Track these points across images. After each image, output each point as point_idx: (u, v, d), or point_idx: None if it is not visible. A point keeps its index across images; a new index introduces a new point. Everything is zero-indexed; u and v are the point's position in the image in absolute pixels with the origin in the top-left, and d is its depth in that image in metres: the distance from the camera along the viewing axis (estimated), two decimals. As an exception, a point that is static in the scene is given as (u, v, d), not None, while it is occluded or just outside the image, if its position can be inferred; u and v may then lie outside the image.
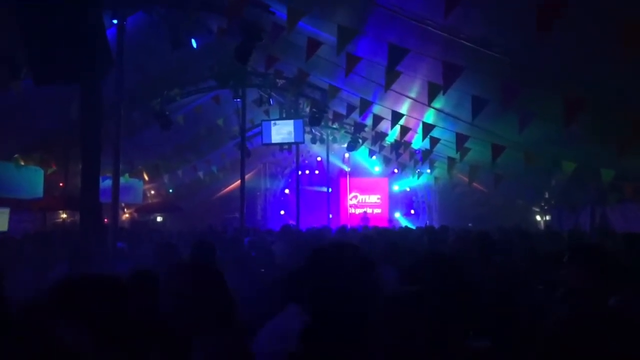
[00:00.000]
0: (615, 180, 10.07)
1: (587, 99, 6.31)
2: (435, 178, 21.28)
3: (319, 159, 25.90)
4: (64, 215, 17.65)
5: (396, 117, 10.71)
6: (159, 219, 23.48)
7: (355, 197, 27.51)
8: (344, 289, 1.93)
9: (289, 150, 19.43)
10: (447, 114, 10.13)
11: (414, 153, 16.17)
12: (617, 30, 4.60)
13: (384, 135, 14.72)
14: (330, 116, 15.63)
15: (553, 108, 6.69)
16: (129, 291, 3.53)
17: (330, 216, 22.55)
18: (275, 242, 8.42)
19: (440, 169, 17.69)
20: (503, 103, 6.97)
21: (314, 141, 19.59)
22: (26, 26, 4.56)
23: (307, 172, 26.59)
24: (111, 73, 6.51)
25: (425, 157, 15.15)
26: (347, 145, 18.45)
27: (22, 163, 14.62)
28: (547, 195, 17.56)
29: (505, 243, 6.68)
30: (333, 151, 22.93)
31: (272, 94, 14.99)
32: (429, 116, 10.90)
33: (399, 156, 16.56)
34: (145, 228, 17.56)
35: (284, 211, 27.07)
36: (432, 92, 7.84)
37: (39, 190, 15.74)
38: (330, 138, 20.09)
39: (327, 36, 7.67)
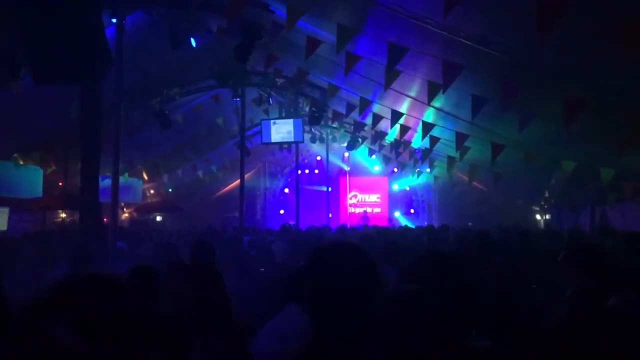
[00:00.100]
0: (614, 180, 10.07)
1: (587, 99, 6.31)
2: (435, 177, 21.29)
3: (318, 158, 25.90)
4: (64, 215, 17.65)
5: (396, 116, 10.71)
6: (158, 218, 23.47)
7: (355, 196, 27.51)
8: (344, 288, 1.93)
9: (289, 150, 19.43)
10: (447, 113, 10.13)
11: (413, 152, 16.17)
12: (617, 30, 4.60)
13: (383, 134, 14.71)
14: (330, 115, 15.63)
15: (553, 107, 6.69)
16: (128, 289, 3.53)
17: (330, 215, 22.55)
18: (275, 241, 8.42)
19: (440, 168, 17.70)
20: (503, 102, 6.97)
21: (313, 140, 19.58)
22: (26, 26, 4.55)
23: (307, 171, 26.58)
24: (111, 72, 6.50)
25: (425, 156, 15.15)
26: (347, 144, 18.47)
27: (22, 162, 14.62)
28: (547, 195, 17.57)
29: (505, 242, 6.68)
30: (333, 150, 22.93)
31: (272, 93, 14.99)
32: (429, 115, 10.90)
33: (399, 155, 16.56)
34: (145, 227, 17.55)
35: (284, 210, 27.06)
36: (431, 91, 7.84)
37: (38, 189, 15.74)
38: (330, 137, 20.08)
39: (327, 35, 7.66)
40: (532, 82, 6.77)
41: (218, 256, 5.34)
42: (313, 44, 7.71)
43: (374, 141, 16.47)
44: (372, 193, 27.36)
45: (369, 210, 26.32)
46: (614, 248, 6.31)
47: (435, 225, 15.35)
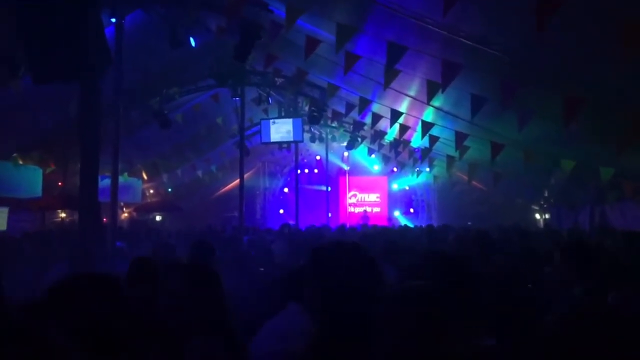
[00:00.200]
0: (614, 179, 10.07)
1: (586, 98, 6.31)
2: (435, 176, 21.29)
3: (318, 157, 25.89)
4: (63, 215, 17.65)
5: (395, 115, 10.71)
6: (158, 218, 23.47)
7: (355, 195, 27.51)
8: (344, 287, 1.92)
9: (288, 149, 19.42)
10: (446, 112, 10.13)
11: (413, 151, 16.16)
12: (617, 30, 4.60)
13: (383, 133, 14.70)
14: (329, 115, 15.62)
15: (552, 107, 6.69)
16: (129, 280, 3.53)
17: (330, 215, 22.54)
18: (275, 241, 8.42)
19: (440, 168, 17.70)
20: (502, 101, 6.97)
21: (313, 140, 19.59)
22: (25, 25, 4.55)
23: (306, 170, 26.57)
24: (110, 72, 6.50)
25: (424, 156, 15.14)
26: (346, 143, 18.47)
27: (21, 162, 14.63)
28: (546, 194, 17.58)
29: (505, 242, 6.68)
30: (332, 150, 22.93)
31: (271, 92, 14.96)
32: (428, 114, 10.90)
33: (398, 155, 16.55)
34: (144, 227, 17.55)
35: (283, 210, 27.06)
36: (431, 91, 7.83)
37: (37, 189, 15.74)
38: (330, 137, 20.08)
39: (326, 34, 7.66)
40: (531, 82, 6.77)
41: (218, 256, 5.33)
42: (312, 43, 7.71)
43: (373, 140, 16.46)
44: (372, 192, 27.36)
45: (368, 209, 26.32)
46: (613, 247, 6.30)
47: (435, 224, 15.36)
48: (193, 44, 10.07)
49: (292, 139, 16.04)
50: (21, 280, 4.38)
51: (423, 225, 15.94)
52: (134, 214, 22.05)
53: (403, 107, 10.82)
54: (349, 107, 12.05)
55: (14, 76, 8.75)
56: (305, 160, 26.19)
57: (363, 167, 26.49)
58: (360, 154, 23.12)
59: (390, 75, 7.74)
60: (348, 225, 18.03)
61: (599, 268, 3.40)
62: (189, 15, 9.38)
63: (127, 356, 1.84)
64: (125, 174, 17.43)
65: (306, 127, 16.97)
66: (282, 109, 16.60)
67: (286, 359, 2.49)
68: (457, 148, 10.85)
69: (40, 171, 15.79)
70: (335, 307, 1.91)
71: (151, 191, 23.11)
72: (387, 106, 10.94)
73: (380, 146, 17.33)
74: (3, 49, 8.08)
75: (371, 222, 19.95)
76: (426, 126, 10.83)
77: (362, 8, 7.08)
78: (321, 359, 1.92)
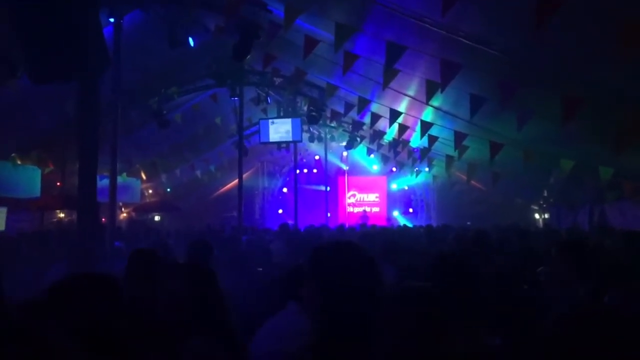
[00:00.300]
0: (613, 179, 10.07)
1: (585, 98, 6.30)
2: (434, 176, 21.31)
3: (317, 157, 25.88)
4: (62, 215, 17.64)
5: (394, 115, 10.71)
6: (156, 218, 23.46)
7: (354, 195, 27.51)
8: (344, 287, 1.92)
9: (287, 149, 19.41)
10: (446, 112, 10.13)
11: (412, 151, 16.17)
12: (617, 30, 4.59)
13: (382, 133, 14.70)
14: (328, 114, 15.61)
15: (551, 107, 6.68)
16: (127, 272, 3.51)
17: (329, 215, 22.54)
18: (273, 241, 8.42)
19: (439, 167, 17.70)
20: (501, 101, 6.96)
21: (312, 140, 19.59)
22: (23, 25, 4.54)
23: (305, 170, 26.56)
24: (108, 71, 6.48)
25: (423, 156, 15.14)
26: (345, 143, 18.47)
27: (19, 162, 14.62)
28: (545, 193, 17.58)
29: (504, 242, 6.68)
30: (331, 150, 22.92)
31: (270, 92, 14.97)
32: (427, 114, 10.89)
33: (397, 154, 16.56)
34: (143, 227, 17.54)
35: (282, 210, 27.06)
36: (430, 90, 7.83)
37: (36, 189, 15.73)
38: (329, 136, 20.07)
39: (325, 34, 7.65)
40: (530, 81, 6.77)
41: (216, 256, 5.33)
42: (311, 43, 7.70)
43: (372, 140, 16.45)
44: (371, 192, 27.36)
45: (367, 209, 26.32)
46: (612, 247, 6.31)
47: (434, 224, 15.37)
48: (192, 43, 10.06)
49: (291, 139, 16.04)
50: (20, 280, 4.37)
51: (422, 225, 15.94)
52: (133, 214, 22.05)
53: (402, 106, 10.82)
54: (348, 106, 12.04)
55: (12, 76, 8.73)
56: (304, 160, 26.19)
57: (362, 167, 26.49)
58: (359, 153, 23.12)
59: (389, 75, 7.74)
60: (347, 225, 18.03)
61: (599, 268, 3.40)
62: (188, 15, 9.37)
63: (126, 356, 1.83)
64: (124, 174, 17.43)
65: (305, 127, 16.97)
66: (281, 109, 16.59)
67: (285, 358, 2.48)
68: (456, 148, 10.84)
69: (39, 171, 15.78)
70: (334, 307, 1.90)
71: (150, 191, 23.11)
72: (386, 106, 10.93)
73: (380, 146, 17.33)
74: (1, 49, 8.06)
75: (370, 222, 19.95)
76: (425, 126, 10.83)
77: (361, 8, 7.08)
78: (321, 359, 1.91)
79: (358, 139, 17.66)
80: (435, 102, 9.20)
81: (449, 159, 13.25)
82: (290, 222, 16.46)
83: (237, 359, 2.33)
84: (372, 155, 20.76)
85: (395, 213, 26.34)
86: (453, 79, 6.81)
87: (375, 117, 11.81)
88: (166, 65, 11.96)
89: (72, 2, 4.50)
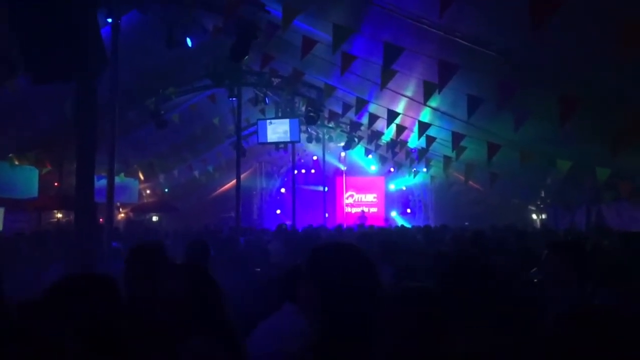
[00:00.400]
0: (610, 179, 10.09)
1: (582, 98, 6.31)
2: (431, 177, 21.31)
3: (315, 158, 25.86)
4: (59, 215, 17.61)
5: (392, 115, 10.72)
6: (154, 218, 23.43)
7: (352, 196, 27.51)
8: (343, 288, 1.92)
9: (285, 149, 19.42)
10: (443, 113, 10.13)
11: (410, 152, 16.17)
12: (617, 30, 4.60)
13: (380, 134, 14.71)
14: (326, 115, 15.61)
15: (549, 107, 6.69)
16: (127, 266, 3.51)
17: (327, 215, 22.55)
18: (271, 241, 8.42)
19: (436, 168, 17.71)
20: (499, 102, 6.97)
21: (309, 140, 19.58)
22: (21, 25, 4.53)
23: (303, 171, 26.55)
24: (106, 72, 6.48)
25: (421, 156, 15.14)
26: (343, 144, 18.47)
27: (17, 162, 14.59)
28: (542, 194, 17.58)
29: (501, 242, 6.69)
30: (329, 150, 22.92)
31: (268, 92, 14.96)
32: (425, 115, 10.90)
33: (395, 155, 16.57)
34: (141, 228, 17.52)
35: (280, 210, 27.03)
36: (427, 91, 7.84)
37: (33, 189, 15.71)
38: (326, 137, 20.08)
39: (323, 35, 7.65)
40: (528, 82, 6.77)
41: (214, 256, 5.32)
42: (309, 43, 7.70)
43: (370, 141, 16.46)
44: (369, 193, 27.37)
45: (365, 210, 26.33)
46: (610, 247, 6.32)
47: (432, 225, 15.37)
48: (189, 44, 10.06)
49: (289, 139, 16.05)
50: (18, 281, 4.36)
51: (420, 226, 15.95)
52: (131, 214, 22.01)
53: (400, 107, 10.83)
54: (346, 107, 12.05)
55: (10, 76, 8.71)
56: (302, 161, 26.17)
57: (360, 168, 26.48)
58: (357, 154, 23.11)
59: (386, 75, 7.74)
60: (345, 226, 18.03)
61: (596, 268, 3.40)
62: (186, 16, 9.36)
63: (126, 356, 1.83)
64: (122, 174, 17.41)
65: (303, 128, 16.97)
66: (279, 109, 16.60)
67: (286, 359, 2.48)
68: (453, 148, 10.86)
69: (37, 171, 15.76)
70: (333, 308, 1.90)
71: (148, 191, 23.08)
72: (384, 106, 10.94)
73: (377, 146, 17.33)
74: (0, 49, 8.05)
75: (368, 223, 19.95)
76: (423, 126, 10.84)
77: (359, 9, 7.08)
78: (322, 359, 1.91)
79: (356, 140, 17.67)
80: (433, 102, 9.21)
81: (447, 159, 13.26)
82: (288, 222, 16.46)
83: (237, 359, 2.33)
84: (370, 156, 20.76)
85: (393, 213, 26.34)
86: (450, 79, 6.82)
87: (373, 118, 11.81)
88: (164, 65, 11.94)
89: (71, 3, 4.50)
